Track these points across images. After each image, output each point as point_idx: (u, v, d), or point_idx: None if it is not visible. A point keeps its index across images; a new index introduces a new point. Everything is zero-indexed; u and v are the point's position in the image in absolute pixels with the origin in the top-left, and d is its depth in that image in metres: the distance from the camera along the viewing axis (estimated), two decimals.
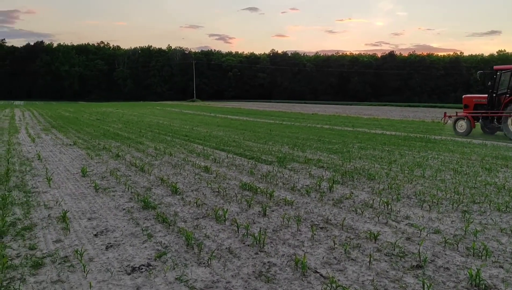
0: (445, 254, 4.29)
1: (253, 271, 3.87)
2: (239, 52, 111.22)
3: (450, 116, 18.69)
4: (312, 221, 5.38)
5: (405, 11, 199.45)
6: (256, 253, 4.30)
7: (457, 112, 18.76)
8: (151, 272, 3.84)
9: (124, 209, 5.92)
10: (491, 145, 13.40)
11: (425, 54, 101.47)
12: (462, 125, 17.33)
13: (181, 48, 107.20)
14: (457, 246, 4.47)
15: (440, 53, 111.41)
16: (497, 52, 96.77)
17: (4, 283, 3.56)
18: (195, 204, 6.12)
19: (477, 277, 3.58)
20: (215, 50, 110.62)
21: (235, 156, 10.64)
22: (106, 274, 3.80)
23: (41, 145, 13.05)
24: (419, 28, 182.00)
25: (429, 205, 6.08)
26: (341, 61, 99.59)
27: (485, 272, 3.84)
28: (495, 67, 17.19)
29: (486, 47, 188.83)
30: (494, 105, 16.73)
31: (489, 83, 17.36)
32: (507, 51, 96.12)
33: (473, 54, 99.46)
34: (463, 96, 18.64)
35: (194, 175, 8.22)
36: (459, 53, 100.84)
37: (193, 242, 4.52)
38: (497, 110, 16.40)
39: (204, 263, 4.03)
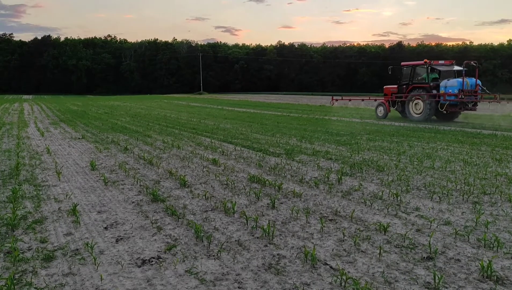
0: (456, 245, 4.26)
1: (263, 264, 3.87)
2: (246, 44, 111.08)
3: (336, 100, 26.08)
4: (321, 213, 5.37)
5: (413, 0, 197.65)
6: (266, 246, 4.30)
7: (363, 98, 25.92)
8: (161, 264, 3.86)
9: (133, 202, 5.95)
10: (501, 136, 13.26)
11: (433, 44, 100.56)
12: (381, 110, 20.95)
13: (187, 40, 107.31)
14: (468, 237, 4.43)
15: (449, 43, 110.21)
16: (507, 41, 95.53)
17: (16, 276, 3.60)
18: (203, 197, 6.13)
19: (489, 268, 3.55)
20: (221, 42, 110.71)
21: (243, 149, 10.63)
22: (117, 266, 3.82)
23: (50, 139, 13.13)
24: (427, 18, 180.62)
25: (439, 196, 6.03)
26: (349, 52, 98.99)
27: (496, 263, 3.80)
28: (402, 63, 20.93)
29: (496, 36, 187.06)
30: (402, 93, 20.19)
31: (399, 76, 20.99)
32: None
33: (483, 43, 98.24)
34: (384, 87, 21.98)
35: (202, 168, 8.23)
36: (468, 43, 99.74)
37: (202, 234, 4.53)
38: (401, 97, 20.04)
39: (213, 256, 4.04)
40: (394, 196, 5.95)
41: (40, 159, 9.43)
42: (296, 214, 5.29)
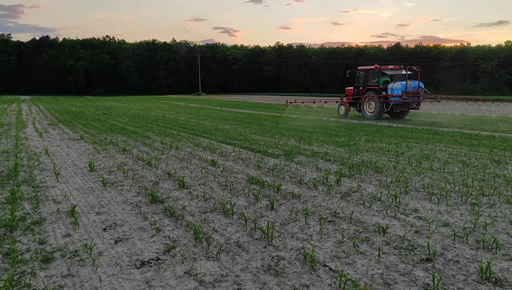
0: (455, 247, 4.26)
1: (262, 265, 3.87)
2: (244, 45, 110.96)
3: (290, 102, 27.67)
4: (320, 214, 5.37)
5: (411, 2, 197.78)
6: (265, 247, 4.30)
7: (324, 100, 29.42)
8: (160, 266, 3.85)
9: (132, 203, 5.94)
10: (499, 137, 13.29)
11: (431, 45, 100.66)
12: (342, 109, 23.44)
13: (186, 41, 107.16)
14: (467, 239, 4.44)
15: (447, 44, 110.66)
16: (505, 42, 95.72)
17: (15, 277, 3.59)
18: (202, 198, 6.13)
19: (488, 270, 3.56)
20: (219, 43, 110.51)
21: (241, 150, 10.63)
22: (116, 268, 3.81)
23: (49, 139, 13.11)
24: (425, 19, 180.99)
25: (437, 198, 6.04)
26: (347, 53, 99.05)
27: (495, 265, 3.81)
28: (358, 68, 23.12)
29: (494, 38, 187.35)
30: (358, 94, 22.37)
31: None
32: None
33: (481, 44, 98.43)
34: (346, 88, 24.10)
35: (201, 169, 8.22)
36: (466, 44, 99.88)
37: (201, 236, 4.53)
38: (358, 98, 22.24)
39: (212, 257, 4.04)
40: (393, 197, 5.95)
41: (38, 160, 9.41)
42: (295, 215, 5.29)
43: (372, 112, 21.24)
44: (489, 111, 27.51)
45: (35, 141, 12.64)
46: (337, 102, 25.03)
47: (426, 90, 21.33)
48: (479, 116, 23.48)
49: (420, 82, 20.49)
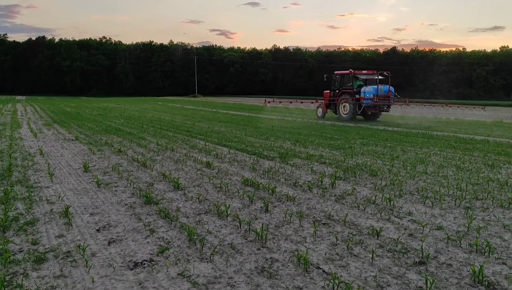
0: (448, 250, 4.28)
1: (256, 267, 3.87)
2: (241, 48, 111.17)
3: (268, 102, 32.03)
4: (314, 217, 5.37)
5: (407, 6, 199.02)
6: (259, 249, 4.30)
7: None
8: (153, 267, 3.84)
9: (126, 204, 5.93)
10: (493, 142, 13.36)
11: (427, 50, 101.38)
12: (320, 111, 24.68)
13: (182, 43, 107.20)
14: (460, 242, 4.46)
15: (443, 49, 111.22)
16: (500, 48, 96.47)
17: (7, 278, 3.57)
18: (197, 200, 6.12)
19: (480, 273, 3.57)
20: (216, 45, 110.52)
21: (237, 152, 10.63)
22: (109, 269, 3.80)
23: (43, 140, 13.06)
24: (421, 24, 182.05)
25: (431, 201, 6.06)
26: (343, 57, 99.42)
27: (488, 268, 3.83)
28: (335, 72, 24.57)
29: (489, 43, 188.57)
30: (335, 97, 23.75)
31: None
32: (510, 47, 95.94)
33: (476, 50, 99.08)
34: (324, 92, 25.30)
35: (196, 171, 8.21)
36: (461, 49, 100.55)
37: (195, 237, 4.52)
38: (334, 101, 23.68)
39: (206, 259, 4.03)
40: (387, 200, 5.97)
41: (32, 160, 9.36)
42: (289, 217, 5.29)
43: (346, 114, 22.60)
44: (451, 114, 30.25)
45: (29, 141, 12.58)
46: (312, 102, 28.77)
47: (396, 94, 22.83)
48: (441, 118, 26.11)
49: (390, 87, 21.92)
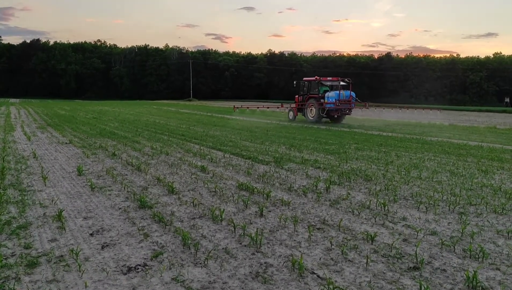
0: (442, 255, 4.29)
1: (250, 272, 3.86)
2: (236, 52, 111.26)
3: (238, 107, 34.98)
4: (309, 221, 5.37)
5: (402, 12, 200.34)
6: (253, 254, 4.28)
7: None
8: (147, 272, 3.82)
9: (120, 208, 5.89)
10: (487, 147, 13.44)
11: (421, 55, 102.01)
12: (291, 114, 26.78)
13: (178, 47, 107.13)
14: (454, 247, 4.47)
15: (437, 55, 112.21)
16: (493, 54, 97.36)
17: None
18: (191, 204, 6.10)
19: (474, 279, 3.58)
20: (212, 49, 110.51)
21: (231, 156, 10.62)
22: (102, 274, 3.77)
23: (37, 143, 12.98)
24: (416, 30, 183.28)
25: (425, 206, 6.08)
26: (338, 62, 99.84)
27: (482, 274, 3.84)
28: (304, 78, 26.92)
29: (483, 49, 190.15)
30: (303, 101, 25.98)
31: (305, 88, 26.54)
32: (503, 53, 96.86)
33: (470, 56, 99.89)
34: (295, 96, 27.24)
35: (191, 175, 8.19)
36: (455, 55, 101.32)
37: (189, 242, 4.50)
38: (303, 105, 25.91)
39: (200, 263, 4.01)
40: (382, 205, 5.98)
41: (26, 163, 9.30)
42: (284, 222, 5.29)
43: (313, 117, 24.89)
44: (410, 117, 32.66)
45: (23, 145, 12.50)
46: (278, 108, 33.94)
47: (357, 99, 24.93)
48: (398, 120, 28.84)
49: (352, 92, 24.07)
